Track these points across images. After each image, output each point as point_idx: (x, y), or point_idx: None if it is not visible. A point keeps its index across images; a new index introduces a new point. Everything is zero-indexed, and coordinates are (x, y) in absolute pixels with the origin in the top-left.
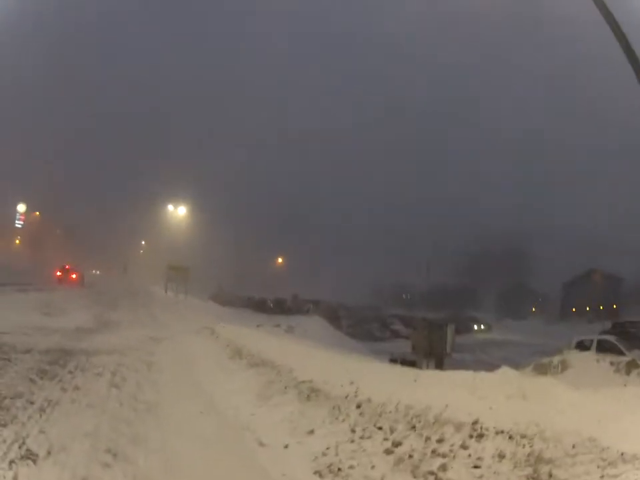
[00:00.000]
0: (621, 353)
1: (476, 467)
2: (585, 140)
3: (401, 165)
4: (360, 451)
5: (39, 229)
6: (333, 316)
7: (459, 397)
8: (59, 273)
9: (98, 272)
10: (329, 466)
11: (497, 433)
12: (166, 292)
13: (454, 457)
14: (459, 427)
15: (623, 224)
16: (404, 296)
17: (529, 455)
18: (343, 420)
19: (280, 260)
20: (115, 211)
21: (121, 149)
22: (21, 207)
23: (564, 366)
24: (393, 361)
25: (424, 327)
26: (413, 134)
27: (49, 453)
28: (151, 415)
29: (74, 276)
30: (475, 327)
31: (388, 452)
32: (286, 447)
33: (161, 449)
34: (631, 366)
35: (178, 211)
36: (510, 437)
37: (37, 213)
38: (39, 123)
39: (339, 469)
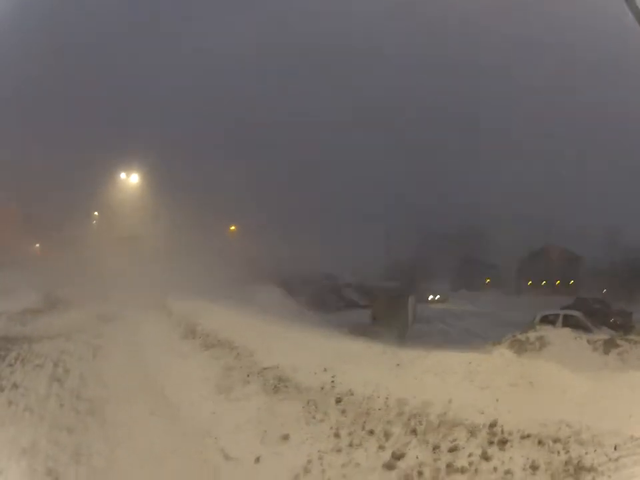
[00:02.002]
0: (587, 329)
1: None
2: (545, 120)
3: (366, 142)
4: (352, 465)
5: None
6: (288, 285)
7: (457, 387)
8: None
9: (39, 250)
10: None
11: (522, 438)
12: (118, 263)
13: (476, 471)
14: (472, 431)
15: (583, 206)
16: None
17: (566, 463)
18: (322, 420)
19: (232, 228)
20: (64, 180)
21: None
22: None
23: (542, 343)
24: (353, 332)
25: (385, 297)
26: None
27: None
28: (94, 418)
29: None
30: (430, 297)
31: (389, 467)
32: (257, 460)
33: (106, 470)
34: (609, 345)
35: (130, 179)
36: (540, 442)
37: None
38: None
39: None
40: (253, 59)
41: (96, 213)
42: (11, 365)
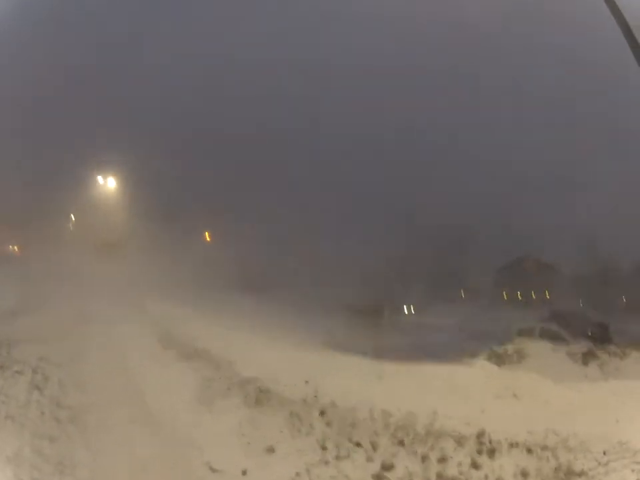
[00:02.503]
0: (564, 341)
1: None
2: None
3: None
4: (341, 476)
5: None
6: (270, 293)
7: (440, 399)
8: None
9: (16, 248)
10: None
11: (511, 446)
12: (96, 265)
13: None
14: (460, 441)
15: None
16: None
17: (556, 469)
18: (307, 432)
19: (213, 232)
20: (47, 179)
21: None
22: None
23: (520, 355)
24: (330, 344)
25: (362, 309)
26: None
27: None
28: (76, 427)
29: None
30: (406, 309)
31: (379, 478)
32: (244, 473)
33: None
34: (588, 357)
35: (108, 183)
36: (529, 450)
37: None
38: None
39: None
40: (250, 63)
41: (72, 217)
42: None
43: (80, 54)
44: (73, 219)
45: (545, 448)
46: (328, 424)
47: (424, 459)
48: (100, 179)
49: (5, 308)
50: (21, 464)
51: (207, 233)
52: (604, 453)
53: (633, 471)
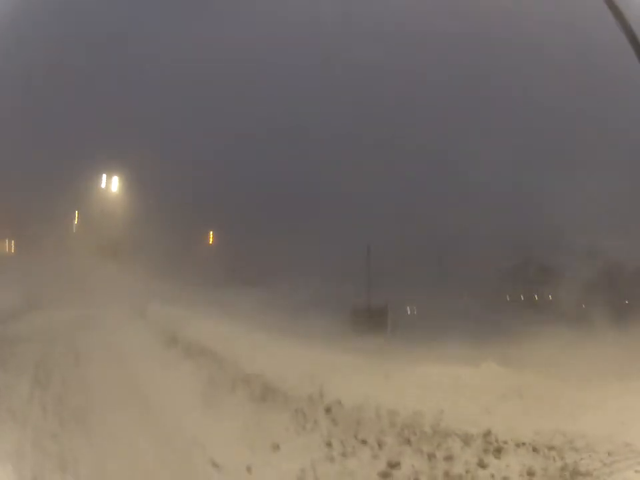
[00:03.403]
0: (569, 343)
1: None
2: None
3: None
4: (346, 474)
5: None
6: (272, 293)
7: (447, 399)
8: None
9: (20, 249)
10: None
11: (517, 446)
12: (98, 267)
13: (473, 478)
14: (467, 440)
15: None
16: None
17: (562, 469)
18: (312, 429)
19: (215, 233)
20: (46, 177)
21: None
22: None
23: (525, 356)
24: (334, 342)
25: (363, 308)
26: None
27: None
28: (79, 424)
29: None
30: (409, 309)
31: (385, 475)
32: (249, 469)
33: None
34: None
35: (111, 186)
36: (534, 450)
37: None
38: None
39: None
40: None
41: (75, 219)
42: None
43: (87, 54)
44: (76, 221)
45: (551, 448)
46: (333, 421)
47: (430, 457)
48: (103, 182)
49: (9, 307)
50: (22, 459)
51: (209, 234)
52: (609, 454)
53: (636, 471)
